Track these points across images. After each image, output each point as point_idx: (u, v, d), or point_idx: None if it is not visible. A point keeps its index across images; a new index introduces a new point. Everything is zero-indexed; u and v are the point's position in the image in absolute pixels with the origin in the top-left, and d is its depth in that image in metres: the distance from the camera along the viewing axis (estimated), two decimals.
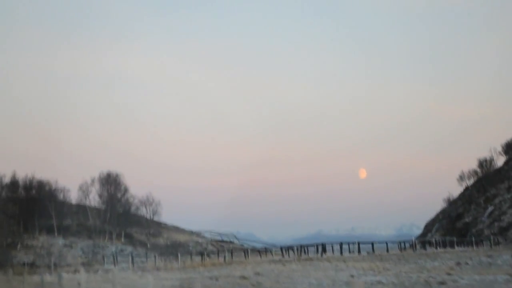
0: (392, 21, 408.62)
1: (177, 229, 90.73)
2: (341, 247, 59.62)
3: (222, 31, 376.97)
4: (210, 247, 77.89)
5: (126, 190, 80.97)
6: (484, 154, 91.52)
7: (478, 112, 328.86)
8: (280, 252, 66.33)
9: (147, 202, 79.71)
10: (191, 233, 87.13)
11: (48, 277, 46.58)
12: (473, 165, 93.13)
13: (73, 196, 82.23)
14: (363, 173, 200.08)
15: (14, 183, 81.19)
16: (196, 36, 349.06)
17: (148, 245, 75.95)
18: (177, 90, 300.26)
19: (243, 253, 64.64)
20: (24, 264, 62.60)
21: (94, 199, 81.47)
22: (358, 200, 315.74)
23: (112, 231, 78.40)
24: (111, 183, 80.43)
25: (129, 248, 73.53)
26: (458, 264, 38.20)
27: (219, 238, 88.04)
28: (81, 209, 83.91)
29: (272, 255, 64.03)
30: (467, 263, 38.49)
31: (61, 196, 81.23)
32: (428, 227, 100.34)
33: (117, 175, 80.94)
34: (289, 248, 63.99)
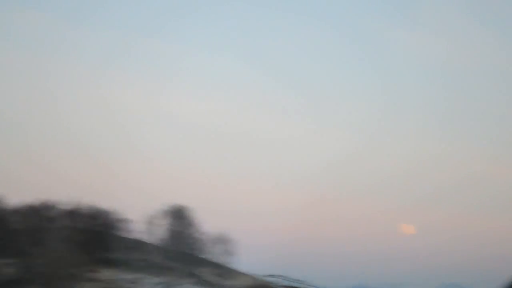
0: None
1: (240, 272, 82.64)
2: None
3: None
4: None
5: (196, 226, 73.69)
6: None
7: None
8: None
9: (220, 240, 72.09)
10: (263, 276, 78.65)
11: None
12: None
13: (139, 229, 75.20)
14: (411, 229, 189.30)
15: (76, 211, 74.84)
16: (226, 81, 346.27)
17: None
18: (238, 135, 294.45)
19: None
20: None
21: (160, 234, 74.10)
22: (402, 255, 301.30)
23: (180, 269, 70.89)
24: (180, 217, 73.29)
25: None
26: None
27: (290, 283, 79.57)
28: (144, 243, 76.79)
29: None
30: None
31: (125, 228, 74.32)
32: None
33: (186, 209, 73.86)
34: None
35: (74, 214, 73.84)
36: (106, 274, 66.73)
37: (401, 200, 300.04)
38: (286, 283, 78.73)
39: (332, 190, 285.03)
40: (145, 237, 74.78)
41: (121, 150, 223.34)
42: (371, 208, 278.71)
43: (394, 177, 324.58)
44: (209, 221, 78.08)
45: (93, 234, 68.17)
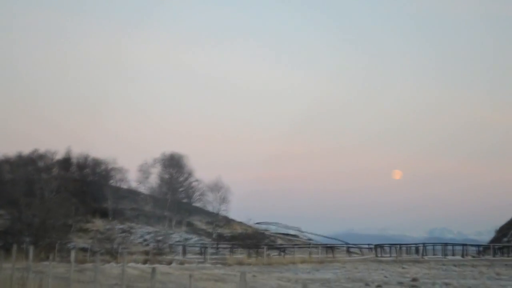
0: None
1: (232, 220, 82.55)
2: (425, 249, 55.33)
3: (247, 28, 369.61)
4: (279, 241, 69.90)
5: (190, 173, 73.09)
6: None
7: (497, 116, 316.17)
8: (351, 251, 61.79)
9: (215, 187, 71.26)
10: (255, 223, 78.78)
11: (115, 268, 39.08)
12: None
13: (132, 178, 74.85)
14: (397, 174, 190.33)
15: (67, 160, 74.33)
16: (226, 32, 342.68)
17: (214, 235, 68.05)
18: (206, 83, 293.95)
19: (320, 250, 57.28)
20: (83, 250, 55.50)
21: (153, 182, 73.68)
22: (390, 200, 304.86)
23: (172, 218, 70.80)
24: (173, 165, 72.70)
25: (193, 238, 65.79)
26: None
27: (284, 231, 79.83)
28: (137, 193, 76.65)
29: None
30: None
31: (118, 177, 74.02)
32: (503, 231, 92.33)
33: (180, 157, 73.19)
34: (379, 247, 56.28)
35: (66, 164, 73.47)
36: (98, 223, 66.83)
37: (396, 149, 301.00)
38: (279, 230, 79.13)
39: (328, 140, 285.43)
40: (138, 187, 74.62)
41: (119, 102, 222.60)
42: (366, 157, 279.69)
43: (391, 125, 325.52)
44: (201, 169, 77.68)
45: (85, 184, 67.85)
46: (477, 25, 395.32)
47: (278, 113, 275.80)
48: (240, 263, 47.48)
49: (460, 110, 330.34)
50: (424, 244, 56.45)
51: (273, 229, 77.55)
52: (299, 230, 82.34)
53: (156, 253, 54.80)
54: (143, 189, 74.00)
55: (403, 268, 39.23)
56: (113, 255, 51.88)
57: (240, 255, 56.54)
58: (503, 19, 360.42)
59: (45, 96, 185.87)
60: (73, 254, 21.43)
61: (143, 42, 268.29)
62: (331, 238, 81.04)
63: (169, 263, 47.35)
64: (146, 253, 56.27)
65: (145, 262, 47.50)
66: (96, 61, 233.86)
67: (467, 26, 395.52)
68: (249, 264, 47.39)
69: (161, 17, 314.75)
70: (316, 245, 61.47)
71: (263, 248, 52.91)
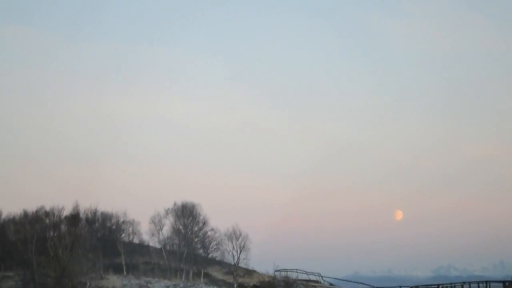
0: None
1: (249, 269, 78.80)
2: None
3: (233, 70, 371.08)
4: None
5: (205, 223, 69.77)
6: None
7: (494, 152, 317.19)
8: None
9: (233, 236, 67.66)
10: (276, 272, 74.94)
11: None
12: None
13: (144, 230, 71.34)
14: (399, 215, 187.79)
15: (75, 216, 70.85)
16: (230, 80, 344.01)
17: (235, 286, 64.39)
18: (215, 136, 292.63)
19: None
20: None
21: (166, 234, 70.29)
22: (394, 241, 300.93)
23: (188, 270, 67.24)
24: (187, 215, 69.45)
25: None
26: None
27: (305, 277, 76.04)
28: (150, 246, 73.12)
29: None
30: None
31: (129, 230, 70.57)
32: None
33: (193, 206, 70.02)
34: None
35: (74, 219, 70.04)
36: (113, 280, 63.23)
37: (398, 188, 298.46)
38: (299, 277, 75.44)
39: (330, 183, 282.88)
40: (151, 239, 71.11)
41: (119, 155, 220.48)
42: (369, 199, 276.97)
43: (394, 165, 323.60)
44: (215, 219, 74.42)
45: (97, 239, 64.43)
46: (481, 62, 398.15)
47: (279, 162, 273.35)
48: None
49: (461, 147, 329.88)
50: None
51: (293, 276, 73.64)
52: (320, 276, 78.66)
53: None
54: (156, 241, 70.40)
55: None
56: None
57: None
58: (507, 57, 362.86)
59: (46, 154, 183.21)
60: None
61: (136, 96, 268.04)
62: (352, 281, 77.36)
63: None
64: None
65: None
66: (93, 117, 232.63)
67: (471, 63, 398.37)
68: None
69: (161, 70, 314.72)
70: None
71: None
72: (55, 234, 54.40)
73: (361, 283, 76.67)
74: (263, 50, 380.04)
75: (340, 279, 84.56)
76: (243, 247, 66.95)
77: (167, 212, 69.72)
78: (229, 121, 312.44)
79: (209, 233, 70.09)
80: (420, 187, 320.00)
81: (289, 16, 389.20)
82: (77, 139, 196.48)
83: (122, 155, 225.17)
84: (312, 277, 77.91)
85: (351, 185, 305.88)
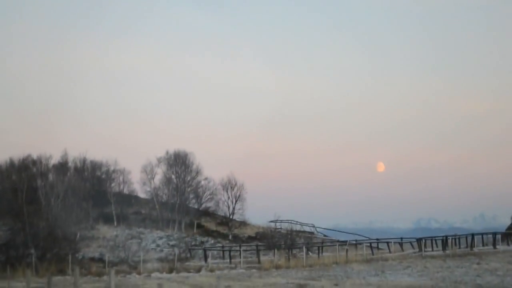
0: (399, 19, 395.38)
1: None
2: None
3: (227, 24, 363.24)
4: (298, 239, 64.89)
5: (198, 172, 67.71)
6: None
7: (483, 107, 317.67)
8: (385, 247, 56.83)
9: (229, 184, 65.73)
10: (270, 222, 73.43)
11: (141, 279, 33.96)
12: None
13: (135, 180, 69.21)
14: (381, 167, 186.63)
15: (63, 164, 68.51)
16: (200, 30, 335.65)
17: (230, 237, 62.92)
18: (182, 82, 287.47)
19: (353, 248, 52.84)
20: (93, 260, 50.16)
21: (159, 183, 68.28)
22: (375, 193, 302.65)
23: (181, 221, 65.51)
24: (179, 164, 67.30)
25: (210, 240, 60.61)
26: None
27: (299, 228, 74.70)
28: (143, 196, 71.12)
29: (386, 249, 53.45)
30: None
31: (120, 179, 68.40)
32: None
33: (186, 154, 67.87)
34: (422, 241, 51.33)
35: (63, 168, 67.67)
36: (103, 230, 61.45)
37: (383, 143, 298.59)
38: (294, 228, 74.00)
39: (320, 140, 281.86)
40: (142, 189, 69.07)
41: (109, 107, 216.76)
42: (356, 155, 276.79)
43: (382, 123, 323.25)
44: (209, 168, 72.22)
45: (88, 188, 62.18)
46: (476, 19, 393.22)
47: (258, 110, 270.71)
48: (278, 267, 42.57)
49: (447, 104, 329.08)
50: (473, 235, 51.13)
51: (288, 227, 72.14)
52: (314, 227, 77.50)
53: (181, 258, 49.74)
54: (147, 191, 68.24)
55: (478, 264, 34.57)
56: (130, 264, 46.73)
57: (264, 256, 51.84)
58: (504, 15, 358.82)
59: (35, 102, 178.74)
60: (113, 273, 16.73)
61: (134, 47, 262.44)
62: (350, 233, 76.20)
63: (198, 270, 42.32)
64: (162, 260, 51.21)
65: (170, 271, 42.38)
66: (89, 66, 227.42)
67: (466, 20, 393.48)
68: (288, 267, 42.52)
69: (152, 23, 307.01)
70: (342, 242, 56.87)
71: (298, 248, 48.13)
72: (44, 183, 51.87)
73: (358, 234, 75.65)
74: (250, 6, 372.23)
75: (333, 230, 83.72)
76: (239, 197, 65.23)
77: (159, 160, 67.61)
78: (218, 73, 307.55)
79: (202, 182, 68.17)
80: (408, 143, 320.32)
81: None
82: (77, 90, 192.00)
83: (113, 107, 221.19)
84: (306, 228, 76.87)
85: (340, 143, 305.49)
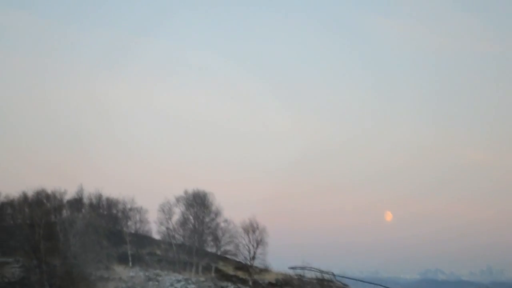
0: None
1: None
2: None
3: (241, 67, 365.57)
4: None
5: (217, 213, 64.97)
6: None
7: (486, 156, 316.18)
8: None
9: (250, 227, 62.50)
10: (291, 269, 70.21)
11: None
12: None
13: (152, 219, 66.45)
14: (388, 216, 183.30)
15: (78, 200, 66.11)
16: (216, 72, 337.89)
17: (250, 283, 59.86)
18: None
19: None
20: None
21: (177, 224, 65.57)
22: (383, 242, 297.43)
23: (198, 264, 62.62)
24: (199, 204, 64.67)
25: (229, 285, 57.61)
26: None
27: (319, 275, 71.50)
28: (160, 236, 68.11)
29: None
30: None
31: (137, 218, 65.62)
32: None
33: (205, 194, 65.28)
34: None
35: (78, 204, 65.29)
36: (119, 270, 58.49)
37: (388, 190, 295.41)
38: (314, 275, 70.91)
39: (320, 180, 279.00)
40: (159, 229, 66.10)
41: (115, 145, 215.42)
42: (359, 199, 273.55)
43: (383, 167, 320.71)
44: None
45: (104, 226, 59.50)
46: (476, 64, 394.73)
47: (272, 155, 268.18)
48: None
49: (452, 151, 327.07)
50: None
51: (308, 274, 68.97)
52: (333, 275, 74.18)
53: None
54: (164, 231, 65.39)
55: None
56: None
57: None
58: (502, 60, 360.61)
59: (44, 142, 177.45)
60: None
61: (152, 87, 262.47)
62: (369, 282, 72.84)
63: None
64: None
65: None
66: (109, 104, 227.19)
67: (466, 65, 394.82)
68: None
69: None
70: None
71: None
72: (61, 218, 49.43)
73: (378, 284, 72.42)
74: (258, 46, 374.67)
75: (350, 278, 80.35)
76: (261, 241, 61.96)
77: (177, 200, 64.94)
78: (224, 113, 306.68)
79: (222, 224, 65.21)
80: (411, 189, 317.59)
81: (285, 15, 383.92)
82: (72, 129, 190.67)
83: (120, 146, 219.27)
84: (326, 276, 73.63)
85: (341, 184, 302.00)
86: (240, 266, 65.81)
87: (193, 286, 55.57)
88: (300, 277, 67.33)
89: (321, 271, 73.81)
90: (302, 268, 71.65)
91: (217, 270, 64.49)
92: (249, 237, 62.04)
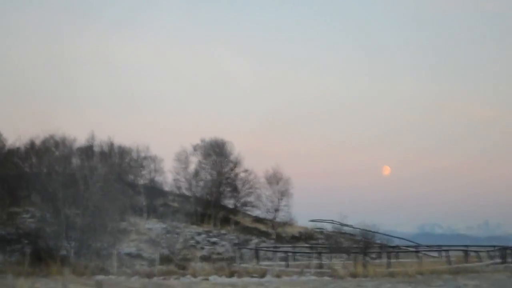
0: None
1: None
2: None
3: (234, 22, 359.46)
4: (345, 242, 58.93)
5: (237, 163, 61.57)
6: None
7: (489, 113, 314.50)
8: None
9: (273, 179, 59.25)
10: (311, 222, 67.29)
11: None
12: None
13: (167, 168, 63.03)
14: (386, 170, 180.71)
15: (89, 148, 62.39)
16: (208, 27, 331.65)
17: (274, 236, 56.88)
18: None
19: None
20: (130, 256, 44.13)
21: (192, 174, 62.11)
22: (380, 196, 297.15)
23: (216, 216, 59.49)
24: (217, 153, 61.17)
25: (253, 239, 54.54)
26: None
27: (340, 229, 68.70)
28: (175, 187, 64.71)
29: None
30: None
31: (152, 167, 62.18)
32: None
33: (224, 143, 61.83)
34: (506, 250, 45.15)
35: (88, 153, 61.50)
36: (136, 222, 55.25)
37: (389, 147, 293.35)
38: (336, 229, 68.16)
39: (322, 141, 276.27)
40: (175, 179, 62.81)
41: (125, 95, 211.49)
42: (361, 158, 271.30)
43: (386, 125, 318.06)
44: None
45: (119, 175, 55.90)
46: (478, 22, 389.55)
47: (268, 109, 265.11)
48: (353, 275, 36.31)
49: (454, 109, 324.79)
50: None
51: (329, 228, 65.90)
52: (353, 227, 71.43)
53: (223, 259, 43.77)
54: (180, 182, 62.09)
55: None
56: (176, 263, 40.57)
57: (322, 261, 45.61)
58: (504, 17, 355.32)
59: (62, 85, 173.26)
60: None
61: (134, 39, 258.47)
62: (393, 236, 70.01)
63: (262, 275, 35.98)
64: (205, 259, 45.36)
65: (230, 274, 36.14)
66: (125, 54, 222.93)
67: (467, 23, 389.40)
68: (365, 275, 36.28)
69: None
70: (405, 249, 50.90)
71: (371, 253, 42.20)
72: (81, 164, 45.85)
73: (396, 237, 69.68)
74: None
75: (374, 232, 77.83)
76: (285, 191, 58.69)
77: (195, 148, 61.43)
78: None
79: (242, 174, 61.91)
80: (415, 149, 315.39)
81: None
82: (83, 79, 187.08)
83: (134, 97, 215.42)
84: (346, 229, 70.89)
85: (343, 144, 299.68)
86: (260, 219, 62.96)
87: (215, 239, 52.26)
88: (322, 230, 64.75)
89: (342, 224, 71.06)
90: (322, 220, 68.84)
91: (236, 223, 61.48)
92: (272, 188, 58.90)
